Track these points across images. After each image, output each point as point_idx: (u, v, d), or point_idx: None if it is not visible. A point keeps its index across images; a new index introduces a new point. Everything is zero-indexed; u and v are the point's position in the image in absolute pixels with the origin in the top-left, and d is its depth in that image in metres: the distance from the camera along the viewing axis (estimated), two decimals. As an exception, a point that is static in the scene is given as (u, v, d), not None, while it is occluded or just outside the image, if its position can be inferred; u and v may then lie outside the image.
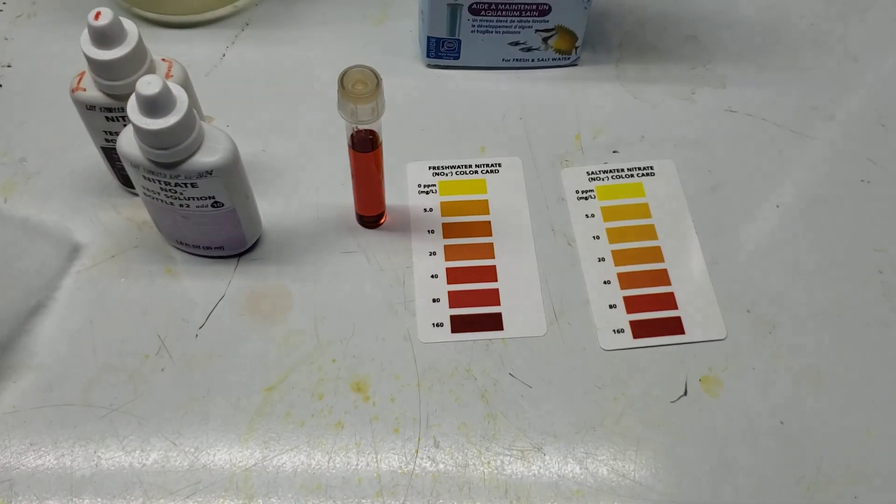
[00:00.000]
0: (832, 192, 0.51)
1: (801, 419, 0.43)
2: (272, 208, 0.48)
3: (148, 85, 0.36)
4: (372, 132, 0.42)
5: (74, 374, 0.43)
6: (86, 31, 0.39)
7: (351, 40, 0.56)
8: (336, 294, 0.46)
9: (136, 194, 0.48)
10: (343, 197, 0.48)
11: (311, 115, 0.52)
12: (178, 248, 0.47)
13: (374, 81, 0.38)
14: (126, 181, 0.48)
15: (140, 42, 0.40)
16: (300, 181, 0.50)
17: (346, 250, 0.47)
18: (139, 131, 0.38)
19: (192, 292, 0.46)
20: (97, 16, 0.38)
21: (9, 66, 0.54)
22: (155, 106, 0.37)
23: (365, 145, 0.42)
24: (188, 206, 0.42)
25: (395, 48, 0.55)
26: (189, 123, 0.38)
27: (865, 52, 0.57)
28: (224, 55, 0.54)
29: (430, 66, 0.54)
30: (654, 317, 0.45)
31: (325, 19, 0.57)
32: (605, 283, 0.46)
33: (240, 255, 0.47)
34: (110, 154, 0.45)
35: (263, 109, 0.52)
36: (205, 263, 0.47)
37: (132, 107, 0.37)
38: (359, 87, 0.38)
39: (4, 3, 0.56)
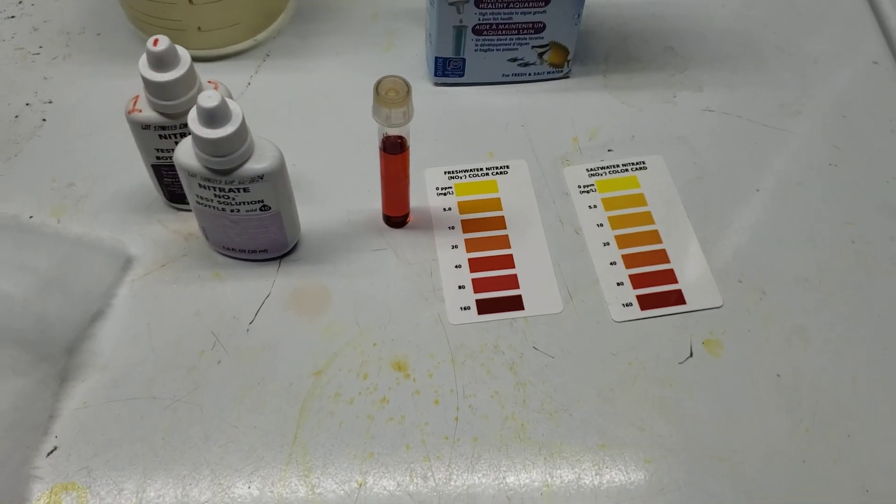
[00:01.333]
0: (804, 175, 0.57)
1: (794, 372, 0.48)
2: (307, 216, 0.53)
3: (208, 99, 0.41)
4: (401, 137, 0.47)
5: (137, 372, 0.47)
6: (144, 56, 0.44)
7: (363, 66, 0.61)
8: (371, 287, 0.50)
9: (182, 209, 0.53)
10: (370, 202, 0.53)
11: (332, 133, 0.57)
12: (225, 255, 0.51)
13: (404, 89, 0.44)
14: (172, 197, 0.52)
15: (192, 66, 0.45)
16: (329, 190, 0.54)
17: (377, 248, 0.52)
18: (199, 141, 0.42)
19: (240, 293, 0.50)
20: (155, 42, 0.43)
21: (50, 103, 0.58)
22: (214, 117, 0.42)
23: (395, 148, 0.47)
24: (238, 210, 0.47)
25: (404, 71, 0.61)
26: (243, 133, 0.43)
27: (824, 54, 0.63)
28: (249, 83, 0.60)
29: (437, 84, 0.60)
30: (658, 290, 0.51)
31: (338, 50, 0.62)
32: (611, 264, 0.52)
33: (281, 258, 0.51)
34: (160, 171, 0.50)
35: (290, 129, 0.57)
36: (250, 267, 0.51)
37: (192, 119, 0.42)
38: (391, 94, 0.43)
39: (41, 48, 0.61)
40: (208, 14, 0.57)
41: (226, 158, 0.43)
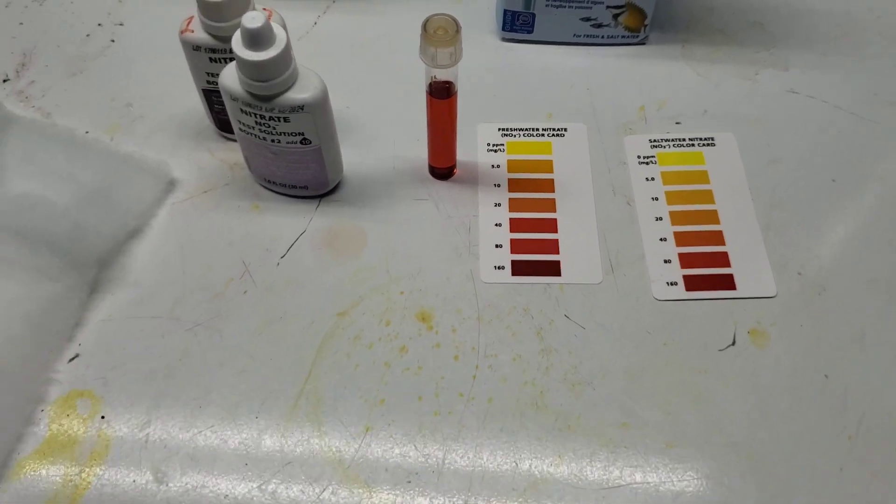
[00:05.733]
0: (888, 170, 0.52)
1: (845, 375, 0.44)
2: (353, 158, 0.52)
3: (252, 19, 0.41)
4: (448, 82, 0.45)
5: (164, 292, 0.47)
6: (199, -25, 0.44)
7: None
8: (406, 236, 0.49)
9: (231, 139, 0.53)
10: (417, 151, 0.52)
11: (389, 79, 0.56)
12: (266, 187, 0.51)
13: (454, 28, 0.42)
14: (222, 125, 0.52)
15: (246, -13, 0.45)
16: (379, 135, 0.53)
17: (418, 198, 0.51)
18: (241, 63, 0.42)
19: (275, 227, 0.50)
20: (211, -40, 0.43)
21: (121, 25, 0.59)
22: (258, 39, 0.41)
23: (441, 93, 0.45)
24: (279, 141, 0.46)
25: (472, 23, 0.59)
26: (286, 59, 0.42)
27: (930, 44, 0.58)
28: (315, 23, 0.59)
29: (504, 39, 0.58)
30: (707, 273, 0.48)
31: (408, -3, 0.61)
32: (661, 240, 0.49)
33: (321, 197, 0.51)
34: (210, 96, 0.50)
35: (348, 71, 0.56)
36: (289, 202, 0.50)
37: (236, 40, 0.42)
38: (440, 32, 0.42)
39: (120, -29, 0.62)
40: (281, -52, 0.56)
41: (266, 84, 0.42)
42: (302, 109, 0.44)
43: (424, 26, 0.42)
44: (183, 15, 0.46)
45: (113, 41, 0.58)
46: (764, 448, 0.42)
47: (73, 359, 0.45)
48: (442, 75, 0.45)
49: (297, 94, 0.43)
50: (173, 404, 0.44)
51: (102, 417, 0.43)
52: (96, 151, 0.51)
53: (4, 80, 0.56)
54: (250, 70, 0.42)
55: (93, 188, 0.48)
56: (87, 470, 0.42)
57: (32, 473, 0.42)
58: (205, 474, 0.42)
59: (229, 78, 0.44)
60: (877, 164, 0.52)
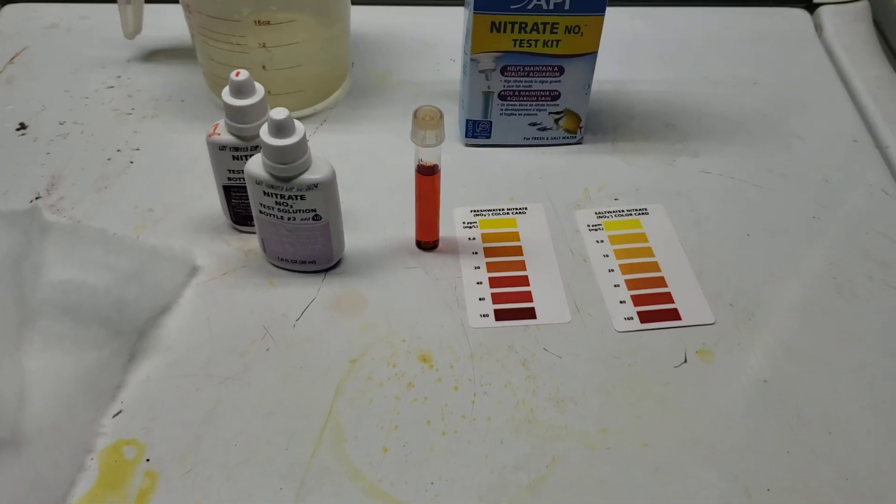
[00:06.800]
0: (790, 224, 0.64)
1: (780, 378, 0.53)
2: (350, 241, 0.60)
3: (278, 113, 0.51)
4: (434, 164, 0.55)
5: (196, 355, 0.54)
6: (227, 87, 0.54)
7: (404, 132, 0.71)
8: (402, 296, 0.58)
9: (244, 231, 0.61)
10: (405, 231, 0.62)
11: (375, 180, 0.66)
12: (278, 266, 0.59)
13: (438, 115, 0.53)
14: (238, 219, 0.61)
15: (264, 96, 0.55)
16: (371, 223, 0.63)
17: (409, 266, 0.60)
18: (268, 149, 0.52)
19: (289, 296, 0.57)
20: (237, 74, 0.54)
21: (137, 150, 0.69)
22: (282, 128, 0.51)
23: (428, 171, 0.56)
24: (294, 218, 0.55)
25: (438, 135, 0.70)
26: (303, 145, 0.52)
27: (808, 133, 0.72)
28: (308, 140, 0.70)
29: (467, 145, 0.70)
30: (656, 308, 0.57)
31: (384, 119, 0.72)
32: (615, 286, 0.58)
33: (326, 271, 0.59)
34: (229, 192, 0.59)
35: (341, 175, 0.66)
36: (299, 277, 0.59)
37: (264, 131, 0.52)
38: (427, 118, 0.53)
39: (133, 109, 0.72)
40: (278, 80, 0.68)
41: (288, 166, 0.52)
42: (316, 187, 0.53)
43: (415, 114, 0.53)
44: (192, 141, 0.56)
45: (132, 162, 0.67)
46: (723, 440, 0.50)
47: (116, 414, 0.51)
48: (428, 157, 0.55)
49: (313, 175, 0.53)
50: (212, 445, 0.49)
51: (147, 460, 0.49)
52: (126, 247, 0.59)
53: (37, 198, 0.64)
54: (275, 154, 0.52)
55: (128, 272, 0.56)
56: None
57: (87, 512, 0.47)
58: (245, 498, 0.47)
59: (254, 165, 0.53)
60: (780, 220, 0.64)
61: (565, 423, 0.51)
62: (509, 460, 0.49)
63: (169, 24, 0.79)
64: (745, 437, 0.51)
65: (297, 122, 0.52)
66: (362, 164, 0.68)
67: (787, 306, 0.58)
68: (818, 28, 0.86)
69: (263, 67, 0.67)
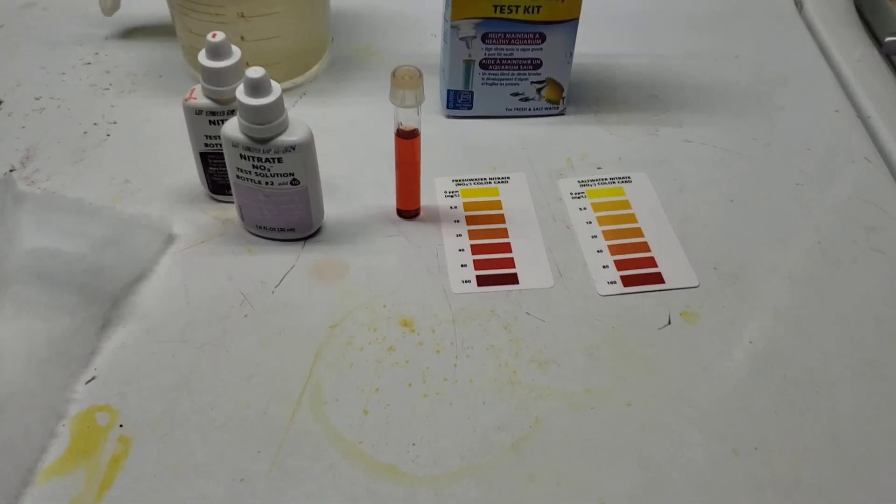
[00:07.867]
0: (774, 191, 0.63)
1: (766, 340, 0.53)
2: (330, 209, 0.60)
3: (254, 72, 0.50)
4: (413, 128, 0.55)
5: (172, 321, 0.53)
6: (203, 50, 0.53)
7: (385, 103, 0.70)
8: (383, 263, 0.57)
9: (222, 200, 0.60)
10: (386, 200, 0.61)
11: (357, 151, 0.66)
12: (257, 234, 0.58)
13: (416, 75, 0.52)
14: (215, 188, 0.60)
15: (241, 58, 0.54)
16: (351, 193, 0.62)
17: (390, 234, 0.59)
18: (244, 109, 0.51)
19: (268, 264, 0.57)
20: (213, 35, 0.53)
21: (114, 123, 0.68)
22: (259, 88, 0.50)
23: (407, 135, 0.55)
24: (272, 183, 0.54)
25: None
26: (280, 106, 0.51)
27: (790, 103, 0.72)
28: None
29: (449, 116, 0.69)
30: (639, 272, 0.56)
31: (364, 91, 0.72)
32: (598, 251, 0.58)
33: (306, 239, 0.58)
34: (206, 159, 0.58)
35: (321, 147, 0.65)
36: (278, 245, 0.58)
37: (240, 91, 0.51)
38: (406, 78, 0.52)
39: (111, 84, 0.71)
40: (257, 51, 0.67)
41: (265, 126, 0.51)
42: (293, 150, 0.52)
43: (394, 73, 0.52)
44: (169, 114, 0.55)
45: (109, 135, 0.66)
46: (709, 400, 0.50)
47: (90, 381, 0.50)
48: (407, 121, 0.54)
49: (290, 137, 0.52)
50: (188, 408, 0.48)
51: (121, 426, 0.48)
52: (102, 215, 0.58)
53: (11, 170, 0.63)
54: (252, 114, 0.51)
55: (104, 239, 0.55)
56: (110, 471, 0.46)
57: (57, 477, 0.45)
58: (222, 461, 0.46)
59: (231, 127, 0.52)
60: (763, 187, 0.64)
61: (548, 385, 0.50)
62: (492, 421, 0.48)
63: (147, 1, 0.78)
64: (732, 397, 0.50)
65: (273, 82, 0.51)
66: (342, 136, 0.67)
67: (772, 270, 0.57)
68: (798, 5, 0.86)
69: (242, 38, 0.66)
